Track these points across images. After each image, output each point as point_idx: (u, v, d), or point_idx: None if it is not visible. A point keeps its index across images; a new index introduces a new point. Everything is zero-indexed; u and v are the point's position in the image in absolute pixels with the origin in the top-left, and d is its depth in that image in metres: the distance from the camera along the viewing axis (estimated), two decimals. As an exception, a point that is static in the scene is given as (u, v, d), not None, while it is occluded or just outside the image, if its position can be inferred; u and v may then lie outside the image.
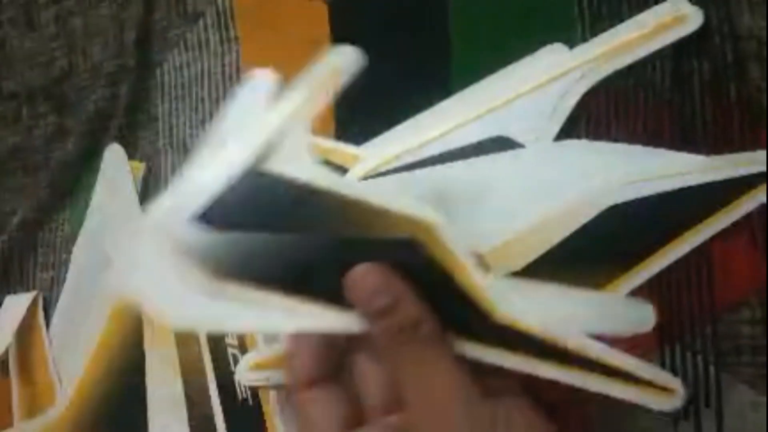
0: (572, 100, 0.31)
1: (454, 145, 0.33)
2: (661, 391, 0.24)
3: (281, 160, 0.24)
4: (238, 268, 0.24)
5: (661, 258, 0.27)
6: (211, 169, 0.24)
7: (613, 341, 0.28)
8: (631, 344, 0.28)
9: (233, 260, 0.24)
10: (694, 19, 0.28)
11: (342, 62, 0.25)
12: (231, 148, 0.24)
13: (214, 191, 0.24)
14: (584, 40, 0.31)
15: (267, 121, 0.24)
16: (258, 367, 0.36)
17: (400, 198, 0.24)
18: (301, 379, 0.24)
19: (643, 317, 0.25)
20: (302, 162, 0.24)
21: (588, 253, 0.29)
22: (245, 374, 0.37)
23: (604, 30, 0.30)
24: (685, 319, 0.28)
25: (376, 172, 0.35)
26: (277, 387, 0.36)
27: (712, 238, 0.27)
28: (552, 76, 0.31)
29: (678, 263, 0.28)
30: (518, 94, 0.32)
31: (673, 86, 0.29)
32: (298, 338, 0.25)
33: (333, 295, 0.23)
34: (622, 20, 0.30)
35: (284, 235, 0.24)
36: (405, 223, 0.24)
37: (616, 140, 0.30)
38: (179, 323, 0.27)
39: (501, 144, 0.32)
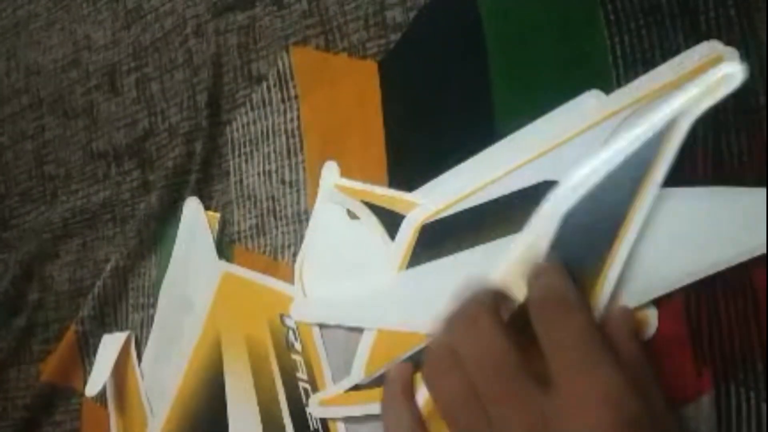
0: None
1: (506, 191, 0.35)
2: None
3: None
4: None
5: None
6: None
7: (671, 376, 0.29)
8: (689, 380, 0.29)
9: None
10: (729, 59, 0.29)
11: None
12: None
13: None
14: (619, 85, 0.32)
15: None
16: (326, 403, 0.39)
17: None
18: None
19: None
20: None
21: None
22: (316, 408, 0.40)
23: (638, 76, 0.31)
24: (737, 357, 0.28)
25: (436, 218, 0.37)
26: (346, 420, 0.38)
27: (759, 276, 0.28)
28: (594, 121, 0.32)
29: (727, 301, 0.29)
30: (562, 140, 0.33)
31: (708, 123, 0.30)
32: None
33: None
34: (655, 66, 0.31)
35: None
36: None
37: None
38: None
39: (550, 188, 0.33)
